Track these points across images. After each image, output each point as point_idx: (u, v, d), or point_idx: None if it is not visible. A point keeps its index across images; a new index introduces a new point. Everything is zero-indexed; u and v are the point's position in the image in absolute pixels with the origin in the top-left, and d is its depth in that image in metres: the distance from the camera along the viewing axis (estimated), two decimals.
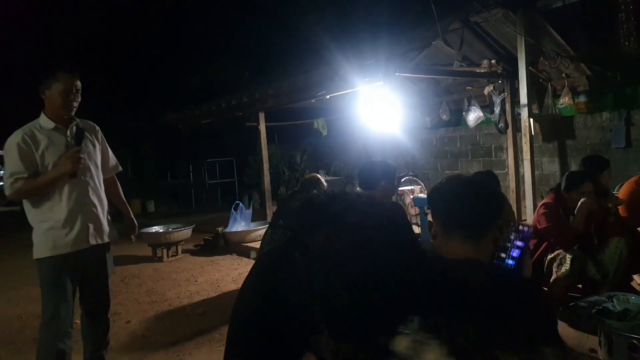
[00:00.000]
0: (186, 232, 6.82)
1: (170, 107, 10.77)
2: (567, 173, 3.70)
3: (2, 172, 16.64)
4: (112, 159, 2.94)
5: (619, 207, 3.69)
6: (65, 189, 2.58)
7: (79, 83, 2.56)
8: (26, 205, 2.62)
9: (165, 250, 6.60)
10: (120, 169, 3.02)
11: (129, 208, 3.05)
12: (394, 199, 5.62)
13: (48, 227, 2.56)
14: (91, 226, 2.66)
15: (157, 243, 6.62)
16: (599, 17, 6.01)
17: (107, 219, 2.80)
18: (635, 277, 3.78)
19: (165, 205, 12.97)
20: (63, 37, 14.42)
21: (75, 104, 2.57)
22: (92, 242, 2.67)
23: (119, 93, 14.23)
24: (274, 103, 7.03)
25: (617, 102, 6.22)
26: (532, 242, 3.37)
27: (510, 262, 1.58)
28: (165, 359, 3.38)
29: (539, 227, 3.48)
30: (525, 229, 1.65)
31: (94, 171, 2.72)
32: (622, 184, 4.20)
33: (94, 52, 14.11)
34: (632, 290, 3.23)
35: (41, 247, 2.57)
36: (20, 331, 4.13)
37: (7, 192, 2.51)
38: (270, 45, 13.87)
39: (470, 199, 1.41)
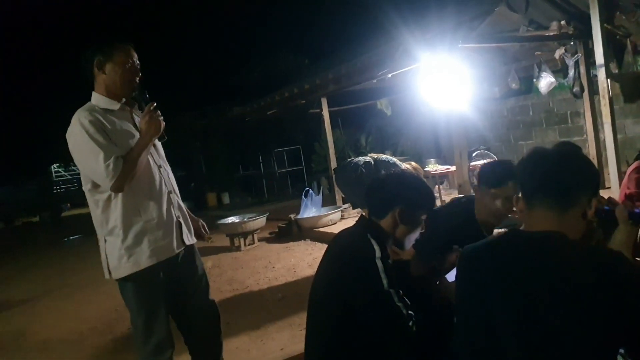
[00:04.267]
0: (261, 220, 7.05)
1: (236, 102, 11.09)
2: None
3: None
4: None
5: None
6: (148, 178, 2.15)
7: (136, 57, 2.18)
8: (97, 210, 2.11)
9: (242, 240, 6.87)
10: None
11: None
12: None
13: (139, 229, 2.08)
14: (183, 223, 2.26)
15: (234, 233, 6.91)
16: None
17: None
18: None
19: (239, 196, 13.43)
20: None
21: (138, 81, 2.18)
22: (187, 241, 2.25)
23: (188, 93, 14.85)
24: (335, 87, 7.06)
25: None
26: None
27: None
28: (249, 344, 3.56)
29: (627, 191, 3.23)
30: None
31: (163, 155, 2.36)
32: None
33: (160, 58, 14.76)
34: None
35: (133, 258, 2.07)
36: (118, 321, 4.48)
37: (109, 182, 1.98)
38: (329, 29, 13.85)
39: (555, 161, 1.31)
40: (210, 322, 2.36)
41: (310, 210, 7.29)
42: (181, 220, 2.26)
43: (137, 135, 2.14)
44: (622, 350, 1.23)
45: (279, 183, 13.70)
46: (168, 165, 2.36)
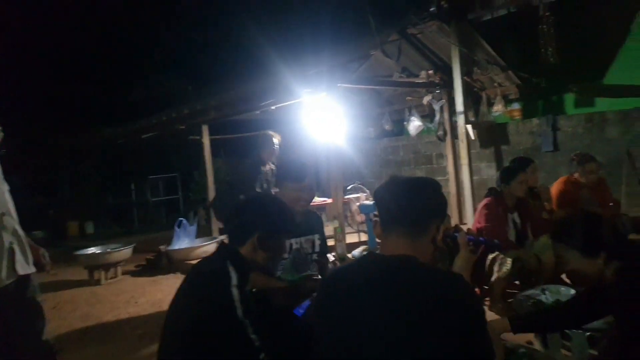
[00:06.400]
0: (125, 252, 6.52)
1: (111, 123, 10.37)
2: (500, 170, 3.86)
3: None
4: None
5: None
6: None
7: None
8: None
9: (103, 273, 6.27)
10: None
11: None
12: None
13: None
14: (17, 249, 2.01)
15: (94, 265, 6.28)
16: (524, 29, 6.33)
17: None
18: None
19: (106, 226, 12.42)
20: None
21: None
22: (20, 271, 2.00)
23: (56, 110, 13.57)
24: (217, 114, 6.94)
25: (545, 108, 6.58)
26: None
27: None
28: None
29: (478, 225, 3.58)
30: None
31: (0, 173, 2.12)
32: (553, 185, 4.41)
33: (26, 66, 13.41)
34: (563, 283, 3.36)
35: None
36: None
37: None
38: (214, 59, 13.75)
39: (408, 192, 1.39)
40: None
41: (183, 241, 6.91)
42: (15, 246, 1.99)
43: None
44: None
45: (153, 212, 12.96)
46: (5, 184, 2.09)
